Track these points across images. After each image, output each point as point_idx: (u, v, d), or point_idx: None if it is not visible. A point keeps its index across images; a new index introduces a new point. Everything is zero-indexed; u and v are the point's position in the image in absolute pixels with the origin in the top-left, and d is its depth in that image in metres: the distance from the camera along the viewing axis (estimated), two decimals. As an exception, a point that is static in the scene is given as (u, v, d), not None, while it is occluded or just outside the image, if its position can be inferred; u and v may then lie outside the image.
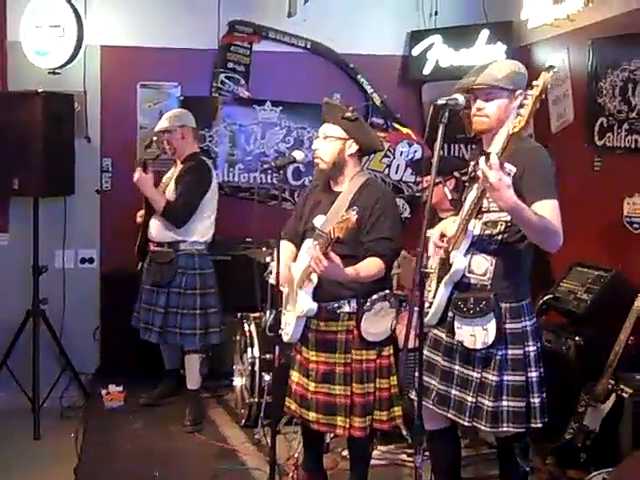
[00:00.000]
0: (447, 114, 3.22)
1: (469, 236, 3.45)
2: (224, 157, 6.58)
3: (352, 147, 3.99)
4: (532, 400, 3.43)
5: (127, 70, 6.34)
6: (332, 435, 4.62)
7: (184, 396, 5.71)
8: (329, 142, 3.99)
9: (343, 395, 3.90)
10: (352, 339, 3.91)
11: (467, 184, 3.66)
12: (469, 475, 4.38)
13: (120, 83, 6.35)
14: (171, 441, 5.23)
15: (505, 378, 3.42)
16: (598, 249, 5.21)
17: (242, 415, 5.44)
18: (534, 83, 3.06)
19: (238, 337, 5.66)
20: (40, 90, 5.49)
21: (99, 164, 6.41)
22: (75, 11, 5.88)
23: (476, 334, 3.41)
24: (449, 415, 3.57)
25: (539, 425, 3.45)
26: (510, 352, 3.42)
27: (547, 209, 3.25)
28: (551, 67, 3.12)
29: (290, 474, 4.47)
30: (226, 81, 6.58)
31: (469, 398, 3.46)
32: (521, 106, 3.14)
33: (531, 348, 3.45)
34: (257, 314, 5.55)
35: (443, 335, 3.60)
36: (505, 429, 3.43)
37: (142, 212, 5.60)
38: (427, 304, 3.59)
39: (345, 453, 4.61)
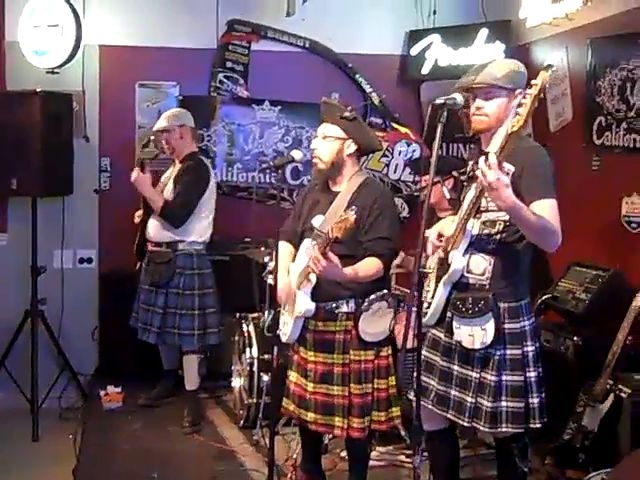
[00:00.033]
0: (445, 113, 3.22)
1: (468, 236, 3.45)
2: (222, 157, 6.57)
3: (351, 147, 3.98)
4: (531, 400, 3.43)
5: (125, 70, 6.34)
6: (330, 436, 4.62)
7: (182, 397, 5.70)
8: (328, 142, 3.99)
9: (341, 395, 3.89)
10: (350, 339, 3.91)
11: (466, 183, 3.65)
12: (467, 476, 4.38)
13: (119, 83, 6.34)
14: (170, 442, 5.23)
15: (504, 378, 3.42)
16: (596, 249, 5.20)
17: (240, 416, 5.44)
18: (533, 82, 3.05)
19: (236, 337, 5.66)
20: (38, 90, 5.49)
21: (97, 164, 6.40)
22: (73, 11, 5.87)
23: (474, 334, 3.41)
24: (448, 415, 3.57)
25: (538, 425, 3.45)
26: (509, 352, 3.42)
27: (545, 209, 3.25)
28: (550, 66, 3.11)
29: (288, 475, 4.46)
30: (225, 80, 6.57)
31: (469, 399, 3.46)
32: (520, 105, 3.14)
33: (530, 348, 3.45)
34: (255, 314, 5.55)
35: (442, 335, 3.60)
36: (504, 429, 3.43)
37: (140, 212, 5.60)
38: (426, 304, 3.58)
39: (344, 454, 4.61)
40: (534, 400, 3.43)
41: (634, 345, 4.41)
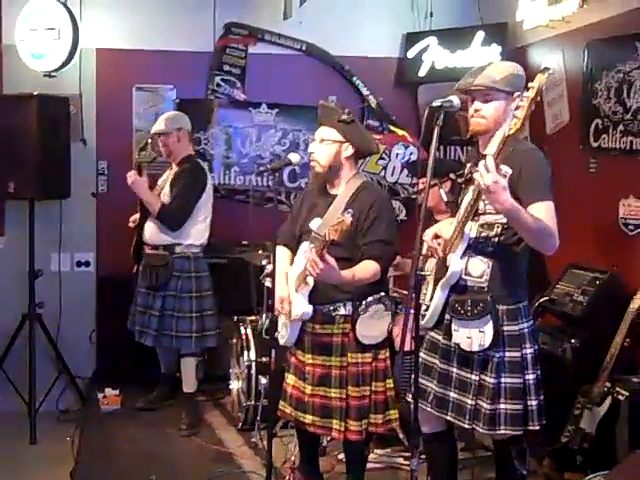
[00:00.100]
0: (442, 116, 3.23)
1: (465, 239, 3.46)
2: (220, 159, 6.57)
3: (348, 150, 3.99)
4: (529, 402, 3.44)
5: (122, 73, 6.33)
6: (328, 438, 4.63)
7: (180, 399, 5.69)
8: (325, 145, 3.99)
9: (339, 398, 3.90)
10: (348, 342, 3.92)
11: (463, 186, 3.66)
12: (465, 478, 4.37)
13: (116, 86, 6.33)
14: (168, 444, 5.23)
15: (502, 380, 3.42)
16: (594, 251, 5.21)
17: (238, 418, 5.44)
18: (530, 85, 3.07)
19: (234, 340, 5.66)
20: (36, 93, 5.48)
21: (95, 167, 6.39)
22: (70, 14, 5.87)
23: (473, 336, 3.41)
24: (448, 417, 3.58)
25: (536, 427, 3.46)
26: (507, 354, 3.43)
27: (543, 211, 3.25)
28: (546, 69, 3.12)
29: (286, 477, 4.46)
30: (222, 83, 6.58)
31: (469, 401, 3.46)
32: (517, 108, 3.15)
33: (528, 350, 3.45)
34: (253, 317, 5.54)
35: (440, 338, 3.60)
36: (502, 431, 3.44)
37: (134, 217, 5.60)
38: (424, 307, 3.59)
39: (341, 456, 4.61)
40: (532, 402, 3.43)
41: (631, 348, 4.41)
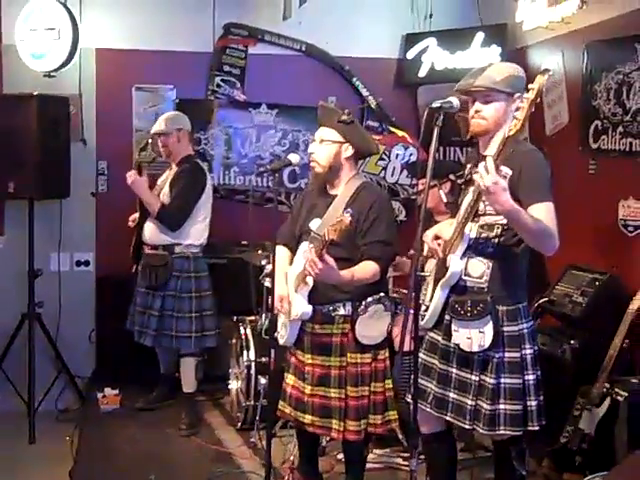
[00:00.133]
0: (442, 117, 3.23)
1: (465, 239, 3.46)
2: (220, 160, 6.58)
3: (348, 150, 4.00)
4: (529, 403, 3.44)
5: (122, 73, 6.33)
6: (328, 438, 4.62)
7: (180, 399, 5.70)
8: (325, 146, 4.00)
9: (338, 398, 3.91)
10: (347, 342, 3.92)
11: (463, 187, 3.66)
12: (465, 478, 4.38)
13: (115, 86, 6.33)
14: (167, 444, 5.23)
15: (502, 381, 3.43)
16: (593, 252, 5.21)
17: (238, 418, 5.44)
18: (530, 86, 3.07)
19: (234, 340, 5.66)
20: (35, 93, 5.48)
21: (95, 167, 6.39)
22: (70, 14, 5.86)
23: (473, 337, 3.41)
24: (447, 417, 3.58)
25: (536, 428, 3.46)
26: (507, 355, 3.43)
27: (543, 212, 3.26)
28: (546, 70, 3.12)
29: (286, 477, 4.47)
30: (221, 84, 6.58)
31: (469, 401, 3.46)
32: (517, 109, 3.15)
33: (528, 351, 3.46)
34: (253, 317, 5.54)
35: (439, 338, 3.61)
36: (502, 432, 3.44)
37: (134, 217, 5.60)
38: (424, 307, 3.59)
39: (340, 456, 4.61)
40: (532, 403, 3.44)
41: (631, 349, 4.41)
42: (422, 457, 3.83)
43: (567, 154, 5.41)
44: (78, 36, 5.91)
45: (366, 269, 3.84)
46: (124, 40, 6.33)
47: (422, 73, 6.54)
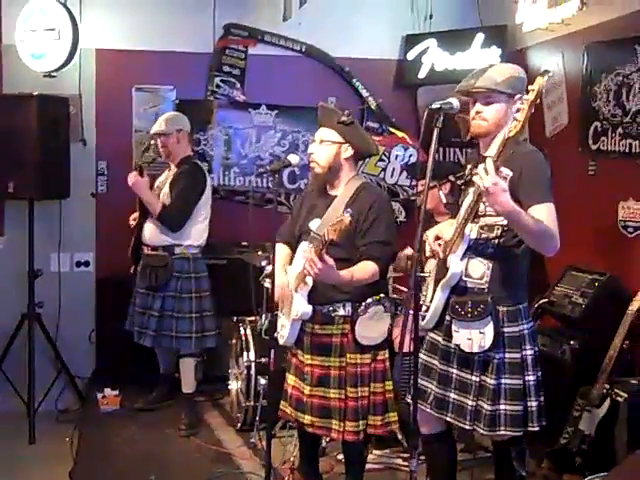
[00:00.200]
0: (442, 118, 3.24)
1: (466, 240, 3.46)
2: (219, 160, 6.58)
3: (347, 151, 4.00)
4: (529, 404, 3.45)
5: (122, 73, 6.33)
6: (328, 439, 4.62)
7: (179, 400, 5.70)
8: (325, 146, 4.00)
9: (337, 399, 3.90)
10: (347, 343, 3.92)
11: (463, 188, 3.66)
12: (465, 479, 4.37)
13: (115, 86, 6.33)
14: (167, 445, 5.23)
15: (503, 382, 3.43)
16: (593, 253, 5.22)
17: (238, 419, 5.44)
18: (530, 88, 3.08)
19: (234, 341, 5.66)
20: (35, 93, 5.48)
21: (95, 167, 6.39)
22: (70, 14, 5.86)
23: (473, 338, 3.41)
24: (447, 418, 3.58)
25: (536, 429, 3.47)
26: (508, 356, 3.44)
27: (543, 213, 3.26)
28: (546, 72, 3.13)
29: (286, 478, 4.47)
30: (221, 84, 6.58)
31: (469, 402, 3.47)
32: (517, 111, 3.16)
33: (528, 352, 3.46)
34: (253, 318, 5.54)
35: (440, 339, 3.61)
36: (502, 432, 3.45)
37: (135, 215, 5.60)
38: (424, 308, 3.59)
39: (341, 457, 4.61)
40: (532, 403, 3.44)
41: (630, 349, 4.42)
42: (422, 458, 3.83)
43: (567, 155, 5.41)
44: (78, 36, 5.91)
45: (365, 269, 3.85)
46: (124, 40, 6.33)
47: (422, 74, 6.54)
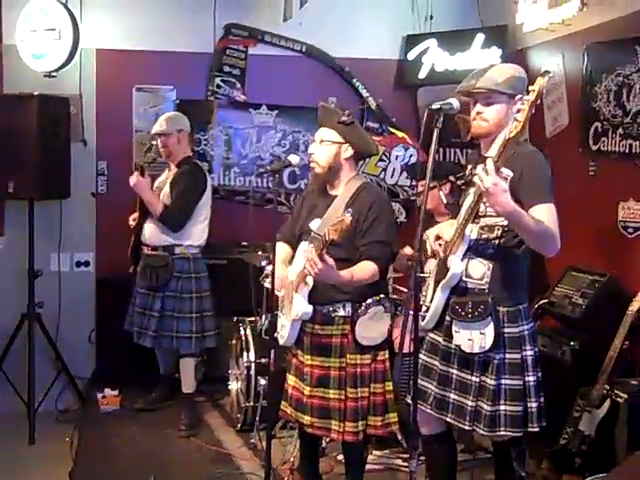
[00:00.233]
0: (442, 118, 3.24)
1: (466, 240, 3.46)
2: (220, 160, 6.58)
3: (348, 151, 3.99)
4: (529, 404, 3.44)
5: (123, 73, 6.34)
6: (327, 439, 4.62)
7: (179, 400, 5.70)
8: (325, 146, 3.99)
9: (337, 399, 3.90)
10: (347, 343, 3.91)
11: (464, 188, 3.66)
12: (464, 480, 4.39)
13: (116, 86, 6.33)
14: (167, 445, 5.23)
15: (503, 382, 3.43)
16: (593, 254, 5.21)
17: (238, 419, 5.44)
18: (530, 88, 3.08)
19: (234, 341, 5.66)
20: (36, 93, 5.48)
21: (95, 167, 6.39)
22: (71, 14, 5.87)
23: (474, 338, 3.41)
24: (447, 419, 3.58)
25: (536, 429, 3.46)
26: (508, 356, 3.43)
27: (544, 214, 3.26)
28: (547, 72, 3.13)
29: (286, 478, 4.47)
30: (222, 84, 6.58)
31: (469, 402, 3.46)
32: (518, 111, 3.15)
33: (529, 352, 3.46)
34: (253, 318, 5.54)
35: (440, 339, 3.61)
36: (502, 433, 3.44)
37: (135, 215, 5.60)
38: (424, 308, 3.59)
39: (340, 457, 4.61)
40: (532, 404, 3.44)
41: (630, 350, 4.41)
42: (422, 458, 3.83)
43: (567, 156, 5.41)
44: (78, 36, 5.91)
45: (365, 269, 3.84)
46: (124, 40, 6.33)
47: (422, 74, 6.55)
